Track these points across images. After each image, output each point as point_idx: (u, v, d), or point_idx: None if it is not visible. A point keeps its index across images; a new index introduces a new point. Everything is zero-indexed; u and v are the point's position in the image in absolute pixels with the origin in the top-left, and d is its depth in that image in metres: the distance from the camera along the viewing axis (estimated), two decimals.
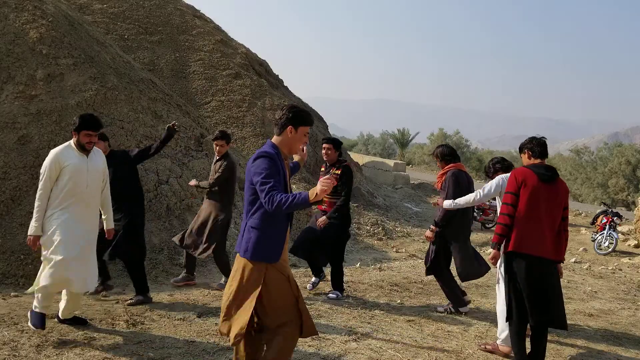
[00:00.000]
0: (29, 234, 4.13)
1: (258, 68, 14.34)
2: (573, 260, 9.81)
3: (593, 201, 26.73)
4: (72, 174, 4.14)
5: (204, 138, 9.03)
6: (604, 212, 12.30)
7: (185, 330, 4.52)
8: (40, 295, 4.16)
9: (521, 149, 4.40)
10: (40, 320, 4.18)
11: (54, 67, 7.68)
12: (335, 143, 5.81)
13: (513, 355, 4.19)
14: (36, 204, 4.14)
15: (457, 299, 5.58)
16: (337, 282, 5.91)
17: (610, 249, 10.93)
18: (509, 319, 4.13)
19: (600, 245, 11.17)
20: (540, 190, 4.04)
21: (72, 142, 4.27)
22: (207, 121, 10.90)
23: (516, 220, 4.06)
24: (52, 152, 4.22)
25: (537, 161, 4.22)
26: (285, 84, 16.04)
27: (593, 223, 12.99)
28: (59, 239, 4.06)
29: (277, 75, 15.81)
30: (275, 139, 3.17)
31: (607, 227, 11.35)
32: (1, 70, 7.41)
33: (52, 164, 4.14)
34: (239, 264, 3.16)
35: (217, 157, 5.95)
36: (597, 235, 11.51)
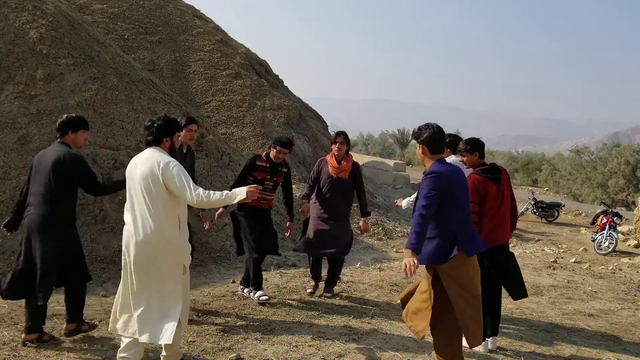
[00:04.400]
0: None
1: (258, 68, 14.34)
2: (573, 260, 9.81)
3: (593, 201, 26.72)
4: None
5: (204, 138, 9.03)
6: (604, 212, 12.30)
7: (185, 330, 4.52)
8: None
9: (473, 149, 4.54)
10: None
11: (54, 67, 7.68)
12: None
13: None
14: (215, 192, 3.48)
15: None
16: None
17: (610, 249, 10.93)
18: None
19: (600, 245, 11.17)
20: None
21: (161, 148, 3.58)
22: (207, 121, 10.90)
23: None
24: (167, 157, 3.50)
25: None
26: (285, 84, 16.03)
27: (593, 223, 12.99)
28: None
29: (277, 75, 15.80)
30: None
31: (607, 227, 11.36)
32: (1, 70, 7.41)
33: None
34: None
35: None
36: (597, 235, 11.51)
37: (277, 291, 6.02)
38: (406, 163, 26.13)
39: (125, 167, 6.99)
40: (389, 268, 7.81)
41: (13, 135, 6.82)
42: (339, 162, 5.59)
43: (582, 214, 17.14)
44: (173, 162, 3.45)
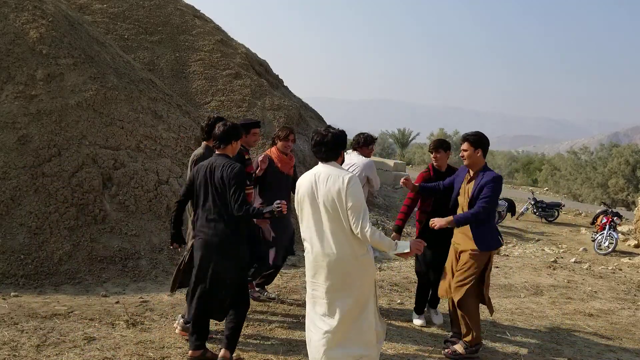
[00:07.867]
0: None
1: (258, 68, 14.34)
2: (573, 260, 9.81)
3: (593, 201, 26.74)
4: None
5: None
6: (604, 212, 12.30)
7: (185, 330, 4.52)
8: None
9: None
10: None
11: (54, 67, 7.68)
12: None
13: None
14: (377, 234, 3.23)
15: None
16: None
17: (610, 249, 10.93)
18: None
19: (600, 245, 11.17)
20: None
21: (336, 163, 3.37)
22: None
23: None
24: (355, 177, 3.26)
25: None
26: (285, 84, 16.03)
27: (593, 223, 12.99)
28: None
29: (277, 75, 15.79)
30: None
31: (607, 227, 11.35)
32: (1, 70, 7.41)
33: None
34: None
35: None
36: (597, 235, 11.51)
37: (277, 291, 6.03)
38: (406, 163, 26.13)
39: (125, 166, 7.02)
40: (389, 268, 7.81)
41: (13, 135, 6.82)
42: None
43: (582, 214, 17.14)
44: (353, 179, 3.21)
